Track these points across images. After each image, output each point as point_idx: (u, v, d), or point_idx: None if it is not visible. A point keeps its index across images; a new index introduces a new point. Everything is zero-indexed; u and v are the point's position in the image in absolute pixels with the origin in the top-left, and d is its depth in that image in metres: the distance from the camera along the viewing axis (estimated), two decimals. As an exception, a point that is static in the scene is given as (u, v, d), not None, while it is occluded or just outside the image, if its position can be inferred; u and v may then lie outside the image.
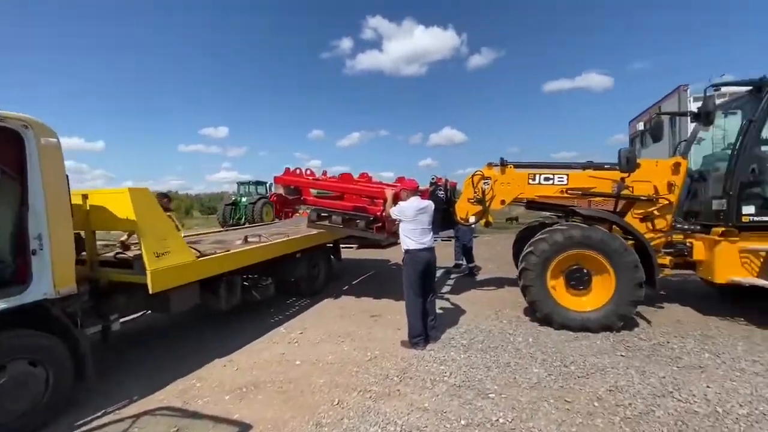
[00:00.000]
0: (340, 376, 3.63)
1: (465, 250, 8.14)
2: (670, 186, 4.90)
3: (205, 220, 32.10)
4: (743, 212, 4.38)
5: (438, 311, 5.60)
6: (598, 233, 4.48)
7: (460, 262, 8.27)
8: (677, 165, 4.91)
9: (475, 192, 5.68)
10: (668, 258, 4.99)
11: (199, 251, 4.50)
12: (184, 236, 6.89)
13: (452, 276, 8.14)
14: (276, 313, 5.81)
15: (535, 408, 2.96)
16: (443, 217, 6.01)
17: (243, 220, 20.09)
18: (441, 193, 5.57)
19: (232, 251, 4.81)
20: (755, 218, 4.36)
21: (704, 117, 4.56)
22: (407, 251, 4.22)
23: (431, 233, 4.28)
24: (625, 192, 5.03)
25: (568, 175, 5.37)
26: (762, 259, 4.40)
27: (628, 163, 4.58)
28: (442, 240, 13.73)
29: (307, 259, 6.53)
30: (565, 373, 3.51)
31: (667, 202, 4.91)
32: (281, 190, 5.65)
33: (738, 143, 4.43)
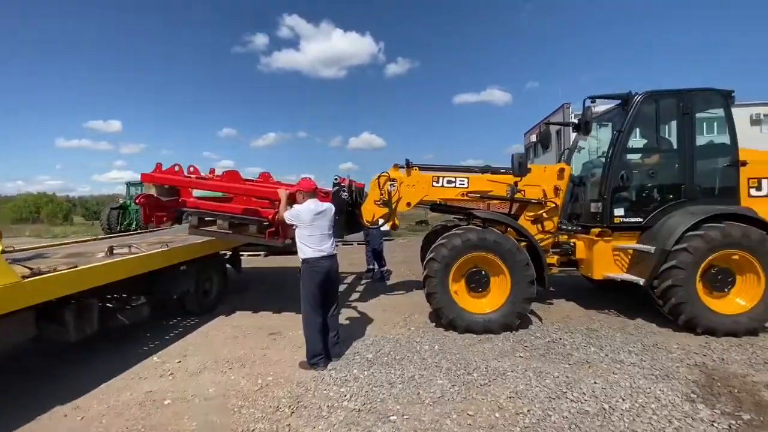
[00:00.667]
0: (219, 414, 3.04)
1: (376, 254, 7.94)
2: (556, 190, 5.23)
3: (87, 227, 27.52)
4: (615, 214, 4.84)
5: (344, 322, 5.27)
6: (492, 235, 4.56)
7: (372, 266, 8.05)
8: (562, 171, 5.27)
9: (381, 194, 5.49)
10: (555, 257, 5.33)
11: (32, 269, 3.50)
12: (27, 247, 5.53)
13: (363, 282, 7.87)
14: (152, 338, 4.89)
15: (437, 427, 2.75)
16: (348, 220, 5.71)
17: (134, 225, 17.46)
18: (345, 195, 5.24)
19: (82, 267, 3.85)
20: (625, 219, 4.84)
21: (583, 127, 4.96)
22: (304, 260, 3.78)
23: (332, 239, 3.91)
24: (518, 195, 5.26)
25: (468, 178, 5.46)
26: (630, 256, 4.90)
27: (520, 167, 4.76)
28: (349, 244, 13.51)
29: (195, 271, 5.67)
30: (469, 382, 3.41)
31: (554, 205, 5.24)
32: (153, 191, 4.75)
33: (609, 152, 4.89)
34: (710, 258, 4.32)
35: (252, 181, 5.83)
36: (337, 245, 4.13)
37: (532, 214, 5.36)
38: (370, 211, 5.59)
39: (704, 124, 5.04)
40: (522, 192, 5.22)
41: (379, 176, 5.55)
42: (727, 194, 4.72)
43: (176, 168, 4.89)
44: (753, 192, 4.69)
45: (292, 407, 3.08)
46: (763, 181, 4.67)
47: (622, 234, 4.96)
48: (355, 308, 5.97)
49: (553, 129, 26.78)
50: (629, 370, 3.58)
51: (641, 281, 4.55)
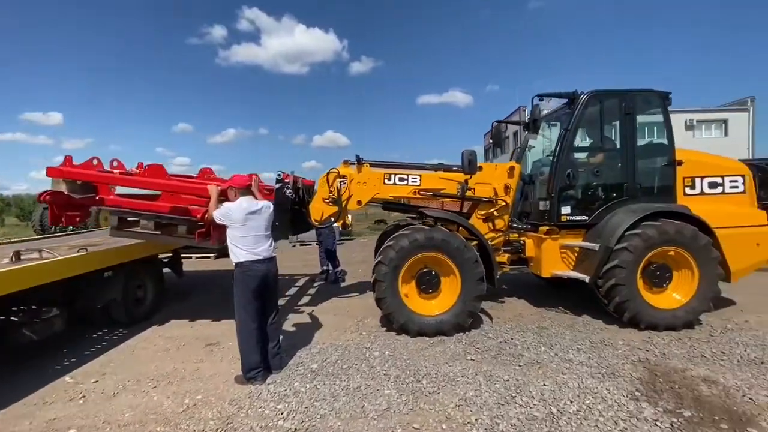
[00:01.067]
0: (132, 445, 2.65)
1: (329, 255, 7.63)
2: (507, 188, 5.21)
3: (21, 228, 24.89)
4: (562, 212, 4.87)
5: (290, 329, 4.95)
6: (440, 234, 4.43)
7: (326, 268, 7.72)
8: (512, 169, 5.25)
9: (330, 191, 5.21)
10: (506, 255, 5.32)
11: None
12: None
13: (316, 284, 7.54)
14: (68, 354, 4.32)
15: (381, 444, 2.54)
16: (295, 219, 5.38)
17: (72, 227, 15.86)
18: (289, 192, 4.89)
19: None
20: (571, 218, 4.88)
21: (531, 125, 4.96)
22: (237, 264, 3.43)
23: (269, 241, 3.58)
24: (468, 193, 5.18)
25: (420, 176, 5.31)
26: (576, 254, 4.96)
27: (470, 165, 4.66)
28: (306, 244, 13.08)
29: (124, 277, 5.11)
30: (417, 391, 3.23)
31: (504, 203, 5.21)
32: (62, 187, 4.15)
33: (557, 150, 4.91)
34: (649, 255, 4.44)
35: (182, 176, 5.33)
36: (277, 248, 3.81)
37: (483, 212, 5.31)
38: (318, 209, 5.28)
39: (645, 128, 5.20)
40: (473, 190, 5.15)
41: (328, 173, 5.27)
42: (665, 192, 4.89)
43: (94, 162, 4.32)
44: (688, 190, 4.89)
45: (220, 430, 2.75)
46: (697, 180, 4.88)
47: (569, 232, 5.01)
48: (304, 313, 5.66)
49: (511, 130, 27.72)
50: (577, 369, 3.56)
51: (586, 278, 4.61)
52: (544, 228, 5.01)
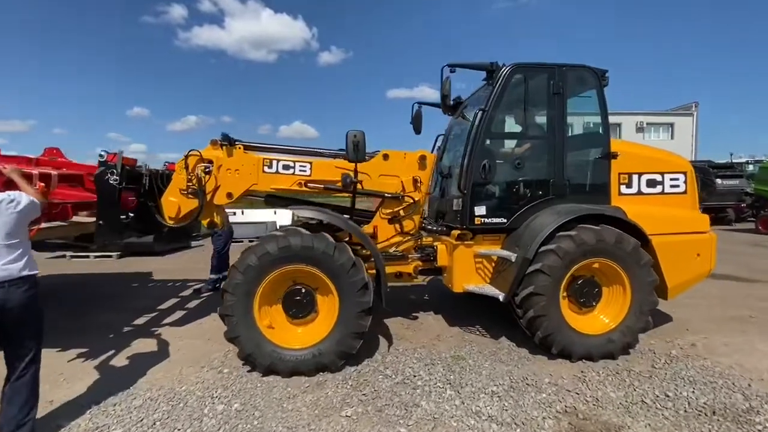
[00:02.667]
0: None
1: (219, 259, 6.38)
2: (416, 182, 4.21)
3: None
4: (476, 213, 3.94)
5: (122, 363, 3.71)
6: (323, 242, 3.36)
7: (215, 276, 6.42)
8: (423, 159, 4.26)
9: (189, 180, 4.00)
10: (412, 265, 4.34)
11: None
12: None
13: (203, 295, 6.25)
14: None
15: None
16: (141, 217, 4.13)
17: None
18: (114, 179, 3.62)
19: None
20: (487, 220, 3.96)
21: (442, 101, 3.97)
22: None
23: (11, 254, 2.36)
24: (367, 186, 4.16)
25: (311, 163, 4.21)
26: (494, 264, 4.06)
27: (355, 150, 3.58)
28: (238, 241, 11.42)
29: None
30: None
31: (412, 200, 4.22)
32: None
33: (470, 136, 3.96)
34: (573, 270, 3.60)
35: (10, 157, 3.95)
36: (19, 272, 2.53)
37: (388, 211, 4.29)
38: (173, 203, 4.04)
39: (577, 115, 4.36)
40: (360, 183, 4.09)
41: (188, 155, 4.04)
42: (598, 191, 4.07)
43: None
44: (623, 189, 4.09)
45: None
46: (634, 177, 4.10)
47: (486, 237, 4.11)
48: (160, 337, 4.44)
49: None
50: (483, 427, 2.62)
51: (501, 296, 3.71)
52: (456, 232, 4.07)
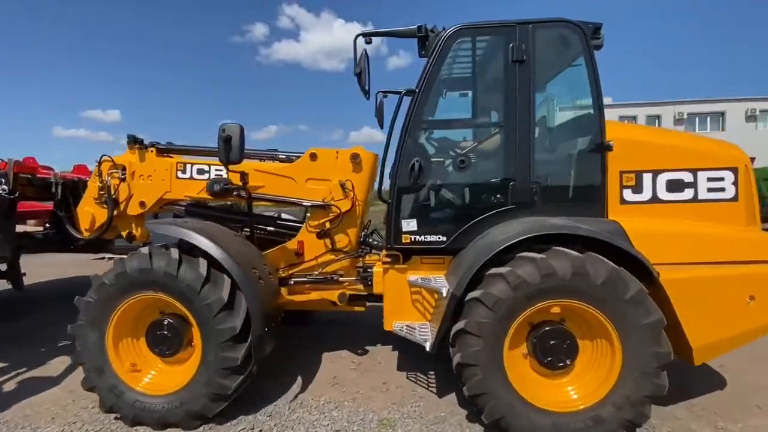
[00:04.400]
0: None
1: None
2: (343, 188, 3.36)
3: None
4: (403, 229, 2.95)
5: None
6: (163, 260, 2.67)
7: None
8: (355, 158, 3.39)
9: (101, 189, 3.65)
10: (338, 291, 3.47)
11: None
12: None
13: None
14: None
15: None
16: (58, 230, 3.87)
17: None
18: (2, 188, 3.34)
19: None
20: (418, 237, 2.95)
21: (358, 81, 3.04)
22: None
23: None
24: (292, 195, 3.43)
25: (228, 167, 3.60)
26: (436, 297, 3.04)
27: (226, 147, 2.81)
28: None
29: None
30: None
31: (338, 211, 3.38)
32: None
33: (403, 128, 2.98)
34: (528, 312, 2.45)
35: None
36: None
37: (315, 223, 3.51)
38: (87, 213, 3.73)
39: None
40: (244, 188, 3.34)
41: (101, 161, 3.69)
42: (588, 199, 2.84)
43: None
44: (629, 195, 2.80)
45: None
46: (645, 177, 2.77)
47: (423, 260, 3.10)
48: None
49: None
50: None
51: (426, 344, 2.70)
52: (384, 253, 3.13)
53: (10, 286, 5.24)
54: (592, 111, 2.83)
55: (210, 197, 3.42)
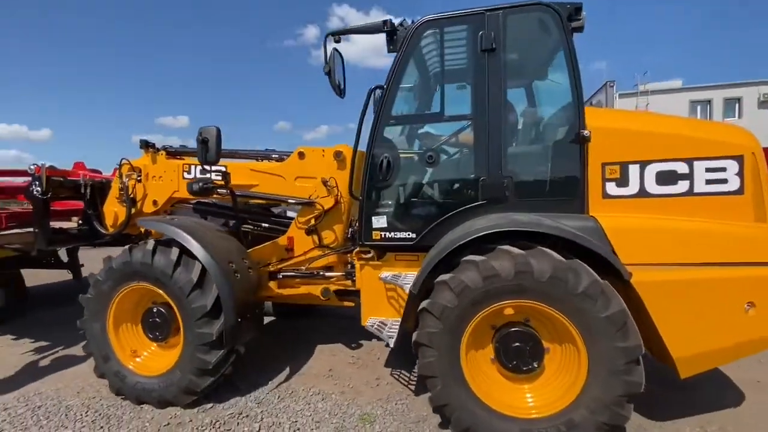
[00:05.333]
0: None
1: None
2: (327, 185, 3.44)
3: None
4: (374, 225, 2.96)
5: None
6: (140, 252, 2.93)
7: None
8: (338, 155, 3.44)
9: (121, 189, 4.07)
10: (321, 286, 3.55)
11: None
12: None
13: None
14: None
15: None
16: (91, 230, 4.34)
17: None
18: (37, 190, 3.84)
19: None
20: (389, 234, 2.94)
21: (330, 81, 3.06)
22: None
23: None
24: (282, 193, 3.58)
25: (226, 167, 3.84)
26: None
27: (204, 149, 2.96)
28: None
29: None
30: None
31: (321, 208, 3.46)
32: None
33: (372, 124, 2.98)
34: (479, 318, 2.36)
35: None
36: None
37: (303, 220, 3.64)
38: (111, 211, 4.20)
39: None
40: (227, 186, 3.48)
41: (121, 163, 4.12)
42: (566, 193, 2.65)
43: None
44: (612, 188, 2.57)
45: None
46: (631, 169, 2.52)
47: (398, 256, 3.08)
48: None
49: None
50: None
51: (390, 341, 2.70)
52: (357, 250, 3.16)
53: (70, 276, 6.00)
54: (570, 99, 2.63)
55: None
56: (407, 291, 2.61)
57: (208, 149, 2.96)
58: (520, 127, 2.81)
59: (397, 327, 2.84)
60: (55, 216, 4.72)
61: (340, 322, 4.93)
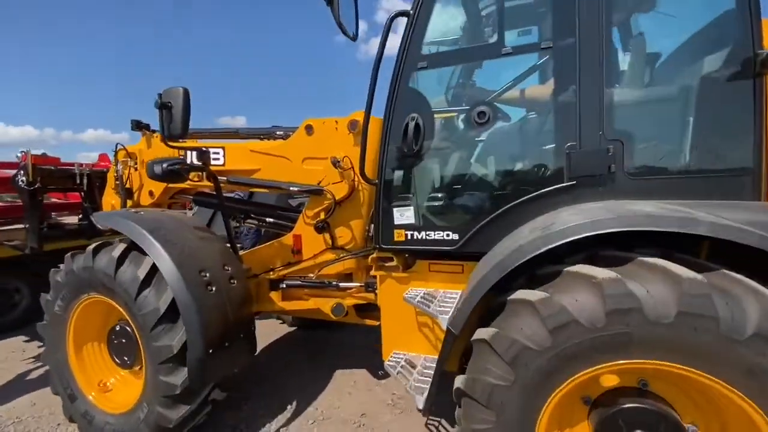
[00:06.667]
0: None
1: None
2: (336, 165, 2.55)
3: None
4: (395, 222, 2.00)
5: None
6: (105, 257, 2.20)
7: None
8: (353, 125, 2.54)
9: (116, 179, 3.52)
10: (332, 301, 2.68)
11: None
12: None
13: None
14: None
15: None
16: (90, 225, 3.85)
17: None
18: (22, 180, 3.36)
19: None
20: (417, 235, 1.96)
21: (344, 33, 2.12)
22: None
23: None
24: (288, 179, 2.77)
25: (224, 148, 3.12)
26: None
27: (167, 119, 2.16)
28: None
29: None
30: None
31: (331, 198, 2.59)
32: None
33: (394, 71, 2.00)
34: (593, 372, 1.33)
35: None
36: None
37: (311, 213, 2.79)
38: (108, 203, 3.67)
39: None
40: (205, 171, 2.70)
41: (116, 150, 3.56)
42: (721, 167, 1.53)
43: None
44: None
45: None
46: None
47: (433, 265, 2.11)
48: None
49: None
50: None
51: (418, 403, 1.76)
52: (374, 255, 2.24)
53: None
54: (732, 3, 1.49)
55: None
56: (443, 326, 1.65)
57: (172, 118, 2.18)
58: (634, 58, 1.71)
59: (431, 373, 1.89)
60: (62, 210, 4.34)
61: (378, 334, 4.05)
